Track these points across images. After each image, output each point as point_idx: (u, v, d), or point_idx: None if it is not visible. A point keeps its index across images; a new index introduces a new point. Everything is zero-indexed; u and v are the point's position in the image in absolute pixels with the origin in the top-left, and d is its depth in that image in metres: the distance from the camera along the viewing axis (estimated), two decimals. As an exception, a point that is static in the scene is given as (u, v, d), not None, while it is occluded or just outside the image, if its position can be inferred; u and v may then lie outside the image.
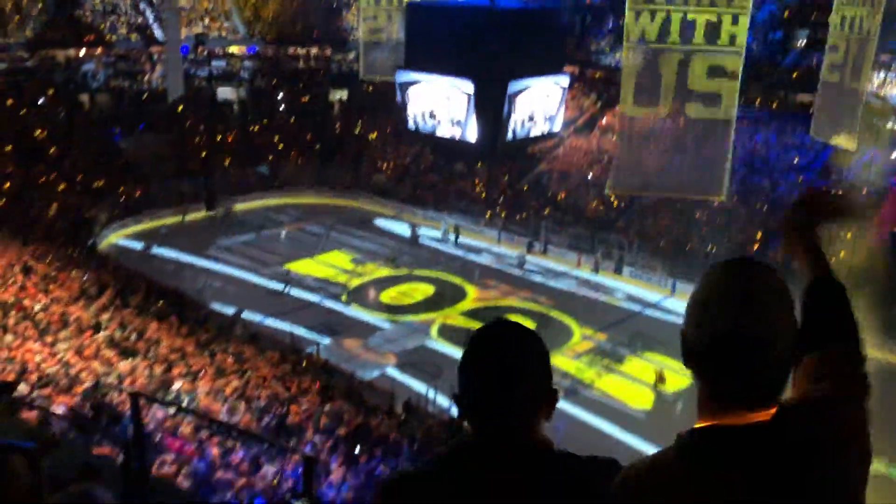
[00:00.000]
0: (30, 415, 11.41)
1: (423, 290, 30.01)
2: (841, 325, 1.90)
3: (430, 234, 35.68)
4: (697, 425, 1.75)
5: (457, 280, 30.93)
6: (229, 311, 25.22)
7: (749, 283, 1.71)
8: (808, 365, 1.83)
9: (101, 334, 17.25)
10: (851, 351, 1.86)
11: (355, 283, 30.59)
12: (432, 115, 19.93)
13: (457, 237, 31.90)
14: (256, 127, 43.96)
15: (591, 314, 28.76)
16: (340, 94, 47.20)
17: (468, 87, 19.48)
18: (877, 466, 13.53)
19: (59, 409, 11.84)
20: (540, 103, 20.36)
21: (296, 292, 28.97)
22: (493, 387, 1.82)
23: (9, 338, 15.25)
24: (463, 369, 1.87)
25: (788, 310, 1.71)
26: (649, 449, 18.58)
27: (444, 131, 20.71)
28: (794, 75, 36.59)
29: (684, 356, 1.77)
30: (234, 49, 46.53)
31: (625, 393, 22.89)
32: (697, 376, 1.76)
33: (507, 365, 1.84)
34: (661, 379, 22.49)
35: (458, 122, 20.19)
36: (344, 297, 29.00)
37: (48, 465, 3.11)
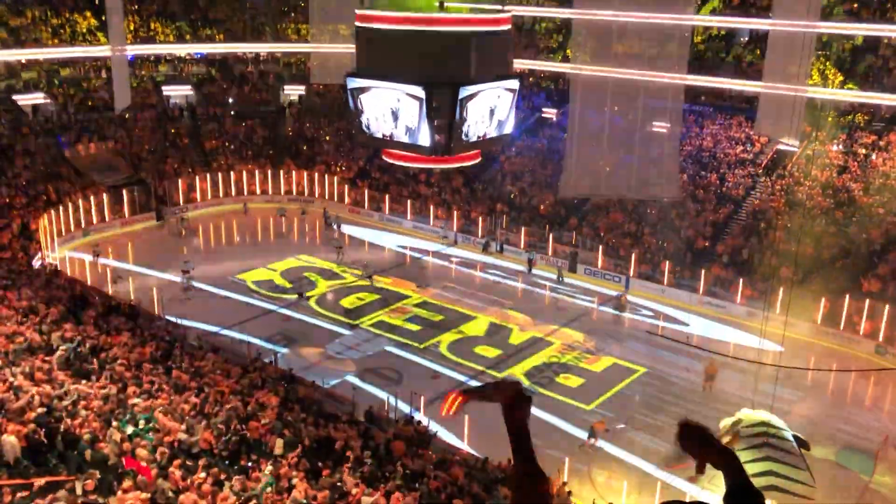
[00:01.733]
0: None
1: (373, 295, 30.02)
2: None
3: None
4: None
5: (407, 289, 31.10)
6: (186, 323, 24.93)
7: None
8: None
9: (54, 355, 16.93)
10: None
11: (318, 290, 30.44)
12: (385, 121, 19.94)
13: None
14: (207, 131, 43.38)
15: (546, 312, 29.20)
16: (292, 97, 46.86)
17: (419, 93, 19.52)
18: (825, 453, 13.87)
19: (10, 440, 11.62)
20: (491, 107, 20.46)
21: (252, 301, 28.75)
22: None
23: (-43, 363, 14.91)
24: None
25: None
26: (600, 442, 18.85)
27: (398, 136, 20.72)
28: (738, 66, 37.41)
29: None
30: (181, 52, 45.83)
31: (580, 390, 23.22)
32: None
33: None
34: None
35: (410, 128, 20.22)
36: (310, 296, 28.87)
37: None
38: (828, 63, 34.30)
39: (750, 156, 34.79)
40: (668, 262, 30.89)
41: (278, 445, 14.99)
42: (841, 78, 33.81)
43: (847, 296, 26.88)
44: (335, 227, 37.51)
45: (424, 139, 19.85)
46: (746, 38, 38.68)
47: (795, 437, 10.68)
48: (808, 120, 32.18)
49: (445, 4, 19.97)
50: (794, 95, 24.50)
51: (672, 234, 32.22)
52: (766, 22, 33.15)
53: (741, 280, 29.02)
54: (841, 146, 33.40)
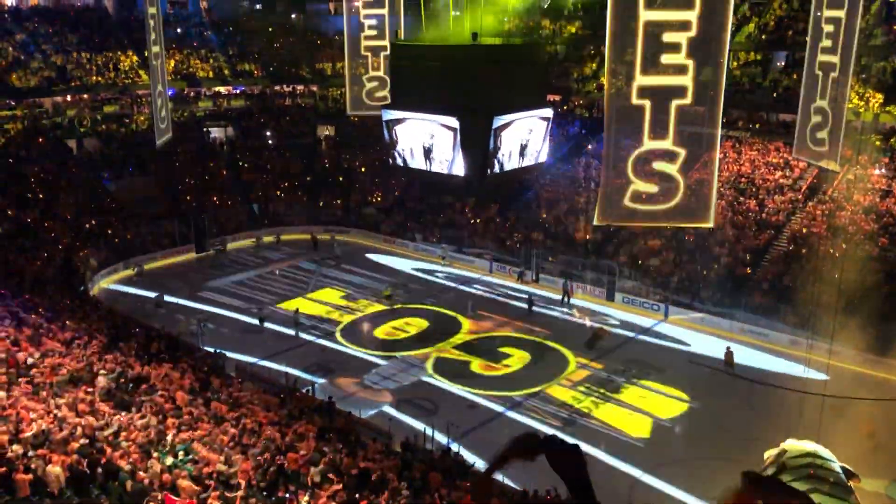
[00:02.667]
0: (24, 477, 11.37)
1: (418, 325, 30.04)
2: None
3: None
4: None
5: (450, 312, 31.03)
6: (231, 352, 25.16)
7: None
8: None
9: (96, 386, 17.18)
10: None
11: (348, 319, 30.57)
12: (421, 152, 20.06)
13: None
14: (245, 164, 44.15)
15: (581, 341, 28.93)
16: (328, 130, 47.50)
17: (453, 123, 19.63)
18: (875, 486, 13.41)
19: (54, 471, 11.76)
20: (525, 136, 20.50)
21: (289, 331, 28.93)
22: None
23: (1, 394, 15.17)
24: None
25: None
26: (646, 477, 18.50)
27: (433, 167, 20.82)
28: (774, 95, 37.04)
29: None
30: (221, 88, 46.82)
31: (622, 422, 22.86)
32: None
33: None
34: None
35: (446, 158, 20.31)
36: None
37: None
38: (867, 86, 33.82)
39: (789, 181, 34.32)
40: (707, 290, 30.44)
41: (316, 476, 14.97)
42: (881, 100, 33.29)
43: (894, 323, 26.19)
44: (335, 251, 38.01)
45: (459, 169, 19.92)
46: (783, 63, 38.37)
47: (844, 469, 10.36)
48: (849, 143, 31.64)
49: (478, 35, 20.17)
50: (832, 119, 24.10)
51: (711, 262, 31.80)
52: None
53: (783, 307, 28.46)
54: (884, 169, 32.79)
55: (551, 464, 2.05)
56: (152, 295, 31.38)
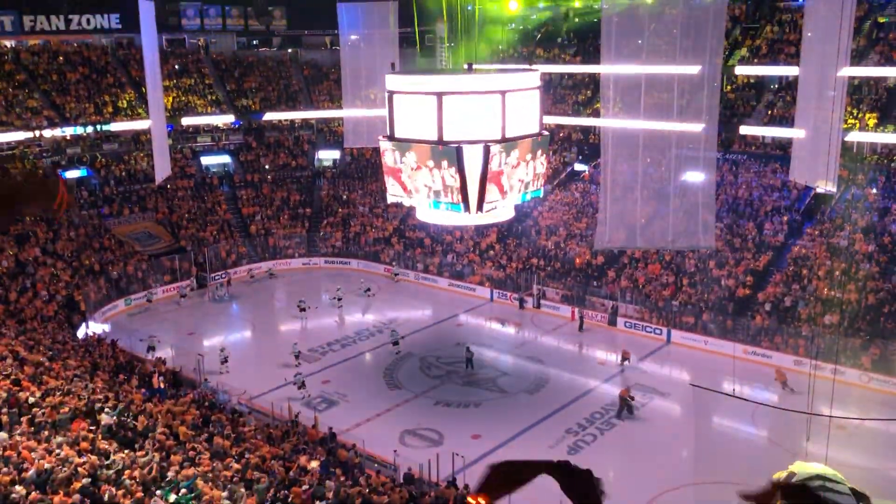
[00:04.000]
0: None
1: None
2: None
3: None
4: None
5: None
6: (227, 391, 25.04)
7: None
8: None
9: (98, 423, 17.09)
10: None
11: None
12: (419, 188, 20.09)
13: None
14: (245, 197, 44.34)
15: (586, 367, 28.82)
16: (327, 161, 47.77)
17: (450, 153, 19.68)
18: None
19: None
20: (522, 163, 20.55)
21: (291, 364, 28.82)
22: None
23: (3, 435, 15.09)
24: None
25: None
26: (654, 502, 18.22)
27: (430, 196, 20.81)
28: (769, 116, 37.31)
29: None
30: (219, 123, 47.13)
31: (626, 445, 22.69)
32: None
33: None
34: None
35: (444, 188, 20.34)
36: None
37: None
38: (860, 106, 34.09)
39: (787, 202, 34.44)
40: (709, 313, 30.43)
41: (320, 511, 14.84)
42: (875, 120, 33.54)
43: (897, 341, 26.16)
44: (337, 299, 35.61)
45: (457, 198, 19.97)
46: (777, 86, 38.71)
47: (853, 491, 10.29)
48: (845, 164, 31.85)
49: (474, 66, 20.34)
50: (829, 140, 24.27)
51: (712, 284, 31.82)
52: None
53: (785, 328, 28.42)
54: (881, 189, 32.94)
55: (564, 489, 2.03)
56: (147, 335, 30.72)
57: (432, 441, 23.06)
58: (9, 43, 44.51)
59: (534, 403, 25.70)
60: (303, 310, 32.91)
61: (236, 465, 16.03)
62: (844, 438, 21.54)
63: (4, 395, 17.39)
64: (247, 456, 16.86)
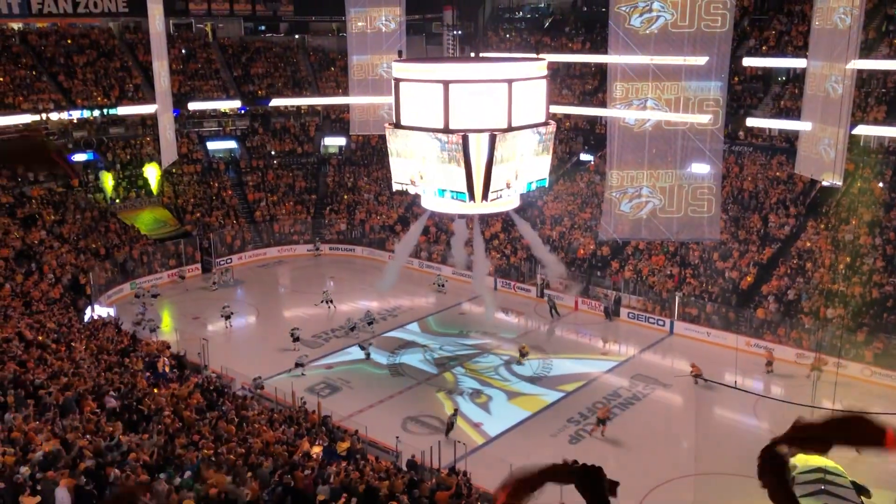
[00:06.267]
0: (31, 500, 11.38)
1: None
2: None
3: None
4: None
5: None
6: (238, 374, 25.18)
7: None
8: None
9: (103, 406, 17.22)
10: None
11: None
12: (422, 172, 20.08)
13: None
14: (250, 183, 44.40)
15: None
16: (333, 148, 47.74)
17: (456, 141, 19.67)
18: (886, 499, 13.29)
19: (61, 493, 11.77)
20: (528, 153, 20.52)
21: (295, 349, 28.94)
22: None
23: (9, 416, 15.22)
24: None
25: None
26: (654, 493, 18.31)
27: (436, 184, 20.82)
28: (777, 106, 37.15)
29: None
30: (226, 108, 47.10)
31: (629, 437, 22.79)
32: None
33: None
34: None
35: (448, 177, 20.32)
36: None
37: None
38: (868, 99, 33.93)
39: (792, 195, 34.35)
40: (712, 305, 30.45)
41: (323, 495, 14.94)
42: (883, 114, 33.38)
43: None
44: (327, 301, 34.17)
45: (462, 186, 19.96)
46: (784, 78, 38.52)
47: (854, 484, 10.34)
48: (852, 157, 31.72)
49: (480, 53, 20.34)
50: (836, 133, 24.18)
51: (716, 276, 31.82)
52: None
53: (788, 321, 28.45)
54: (887, 183, 32.82)
55: (579, 489, 2.07)
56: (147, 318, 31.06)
57: (434, 428, 23.19)
58: (16, 25, 44.50)
59: (535, 392, 25.80)
60: (296, 339, 29.10)
61: (240, 449, 16.14)
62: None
63: (10, 376, 17.52)
64: (250, 440, 16.97)
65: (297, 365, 26.75)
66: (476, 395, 25.60)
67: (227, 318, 30.93)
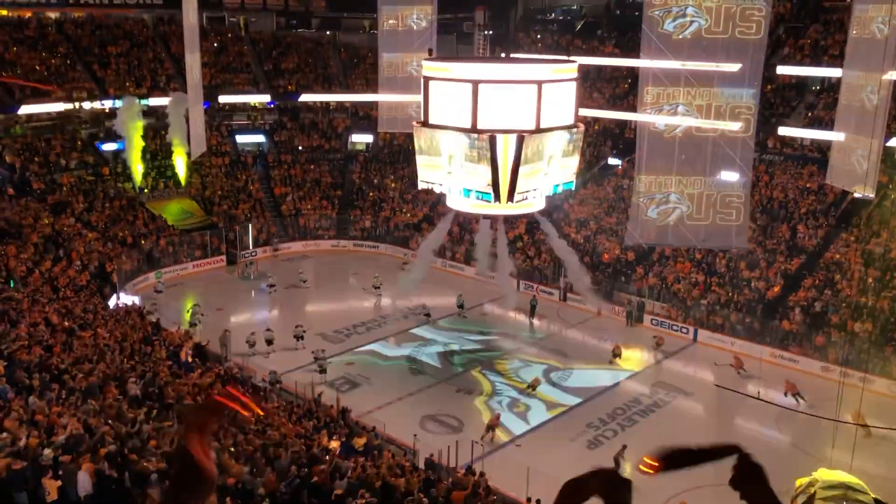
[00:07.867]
0: (53, 482, 11.52)
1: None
2: None
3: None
4: None
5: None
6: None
7: None
8: None
9: (126, 393, 17.41)
10: None
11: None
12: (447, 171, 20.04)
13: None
14: (277, 177, 44.66)
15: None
16: (360, 144, 47.86)
17: (484, 141, 19.61)
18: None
19: (83, 477, 11.90)
20: (556, 155, 20.41)
21: (315, 343, 29.03)
22: None
23: (33, 399, 15.42)
24: None
25: None
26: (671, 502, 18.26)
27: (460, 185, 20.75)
28: (808, 118, 36.67)
29: None
30: (255, 102, 47.42)
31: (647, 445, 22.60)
32: None
33: None
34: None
35: (473, 177, 20.26)
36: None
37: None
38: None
39: (822, 206, 33.88)
40: (737, 314, 30.12)
41: (339, 490, 14.98)
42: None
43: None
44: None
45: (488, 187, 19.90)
46: (818, 87, 38.02)
47: (877, 501, 10.13)
48: (886, 170, 31.20)
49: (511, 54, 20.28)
50: (870, 144, 23.79)
51: (742, 285, 31.47)
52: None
53: (814, 333, 28.07)
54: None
55: (604, 496, 2.04)
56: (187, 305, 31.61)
57: (452, 428, 23.18)
58: (53, 14, 45.13)
59: (555, 396, 25.68)
60: (299, 338, 28.55)
61: (258, 441, 16.24)
62: (870, 447, 21.25)
63: (36, 360, 17.77)
64: (269, 432, 17.07)
65: (320, 369, 26.45)
66: (514, 404, 25.30)
67: (300, 338, 28.62)
